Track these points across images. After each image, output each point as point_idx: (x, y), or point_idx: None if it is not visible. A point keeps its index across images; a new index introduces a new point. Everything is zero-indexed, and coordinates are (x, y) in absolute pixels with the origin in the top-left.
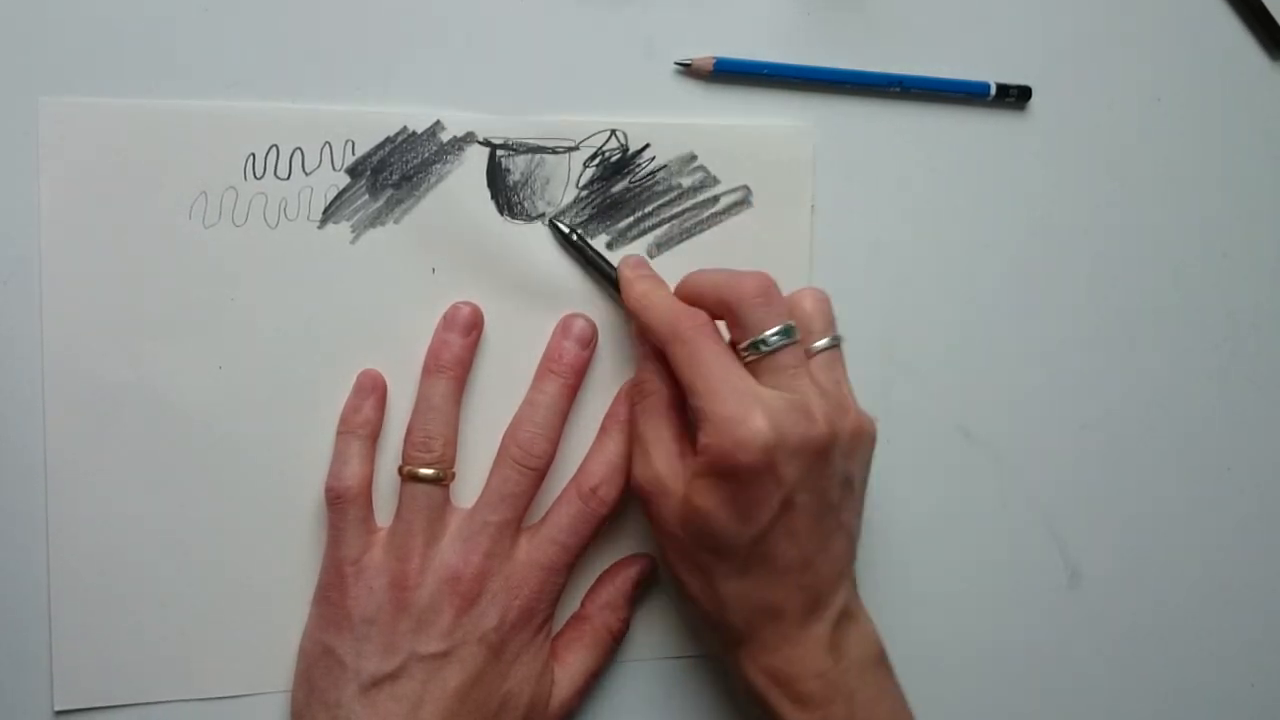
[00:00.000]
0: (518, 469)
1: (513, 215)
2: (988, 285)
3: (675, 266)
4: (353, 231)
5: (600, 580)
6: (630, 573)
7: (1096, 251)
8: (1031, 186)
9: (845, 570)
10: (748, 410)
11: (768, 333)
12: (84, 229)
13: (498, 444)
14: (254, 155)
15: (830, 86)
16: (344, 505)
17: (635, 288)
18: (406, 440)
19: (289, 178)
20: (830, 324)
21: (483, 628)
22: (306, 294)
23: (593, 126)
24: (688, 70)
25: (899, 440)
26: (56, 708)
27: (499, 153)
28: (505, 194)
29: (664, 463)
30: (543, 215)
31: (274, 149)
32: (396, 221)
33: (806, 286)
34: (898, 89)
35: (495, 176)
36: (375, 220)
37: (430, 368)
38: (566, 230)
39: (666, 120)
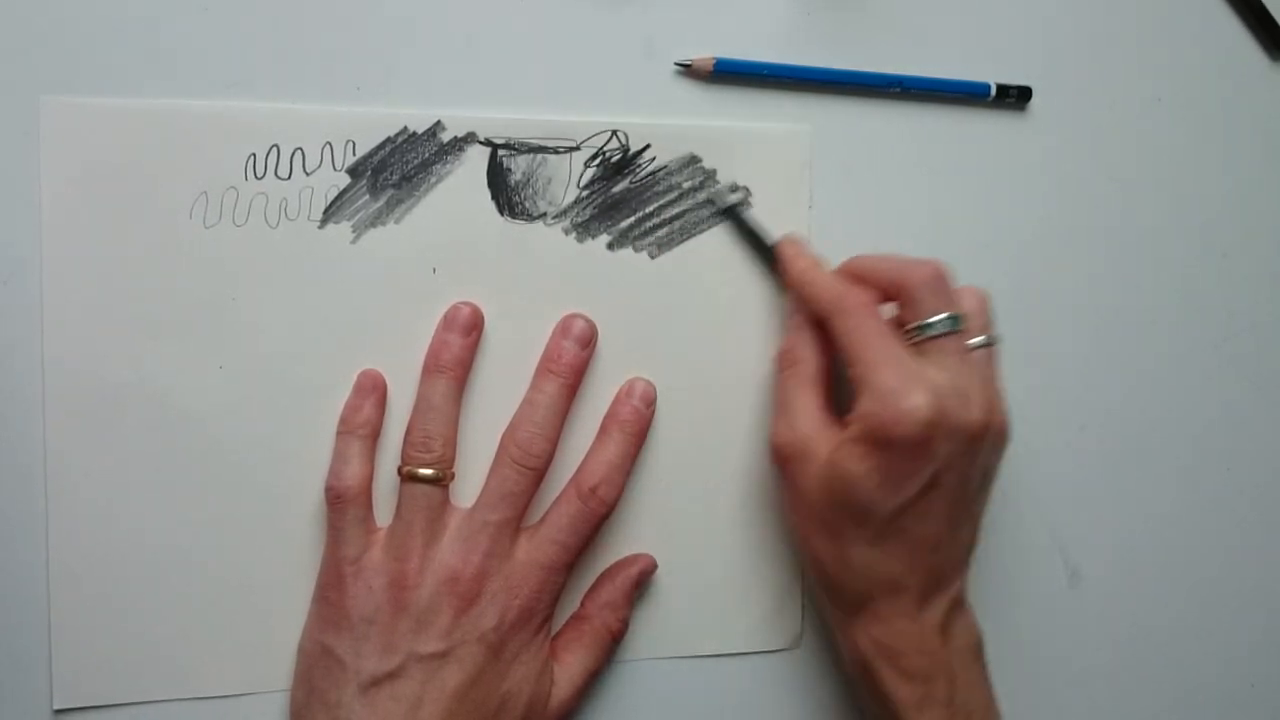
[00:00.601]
0: (516, 469)
1: (513, 215)
2: (987, 285)
3: (676, 267)
4: (353, 231)
5: (600, 580)
6: (630, 573)
7: (1096, 251)
8: (1031, 187)
9: (966, 559)
10: (912, 385)
11: (936, 317)
12: (85, 229)
13: (497, 444)
14: (255, 155)
15: (830, 87)
16: (344, 505)
17: (799, 262)
18: (406, 440)
19: (290, 178)
20: (989, 323)
21: (482, 627)
22: (307, 294)
23: (594, 127)
24: (688, 70)
25: None
26: (56, 706)
27: (500, 153)
28: (506, 194)
29: (810, 426)
30: (544, 215)
31: (275, 149)
32: (397, 222)
33: (969, 285)
34: (897, 89)
35: (496, 176)
36: (376, 220)
37: (430, 367)
38: (737, 201)
39: (666, 121)
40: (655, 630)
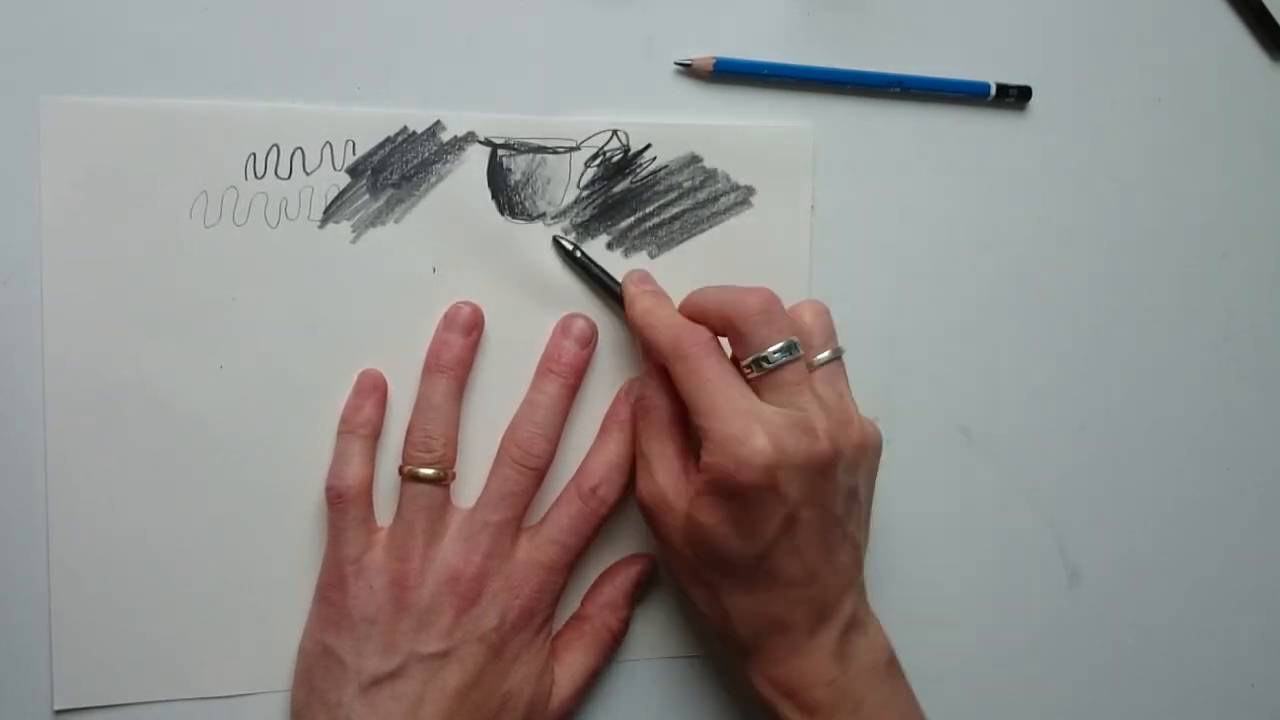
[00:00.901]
0: (517, 469)
1: (513, 215)
2: (988, 285)
3: (676, 267)
4: (353, 231)
5: (600, 580)
6: (630, 573)
7: (1096, 251)
8: (1031, 186)
9: (852, 581)
10: (749, 429)
11: (770, 349)
12: (85, 228)
13: (498, 444)
14: (255, 155)
15: (830, 86)
16: (344, 505)
17: (638, 304)
18: (407, 440)
19: (290, 177)
20: (831, 337)
21: (483, 628)
22: (307, 293)
23: (594, 126)
24: (688, 70)
25: (900, 440)
26: (56, 707)
27: (500, 152)
28: (506, 194)
29: (667, 479)
30: (543, 215)
31: (275, 149)
32: (397, 221)
33: (806, 300)
34: (898, 89)
35: (496, 176)
36: (376, 220)
37: (431, 367)
38: (570, 248)
39: (667, 120)
40: (655, 630)
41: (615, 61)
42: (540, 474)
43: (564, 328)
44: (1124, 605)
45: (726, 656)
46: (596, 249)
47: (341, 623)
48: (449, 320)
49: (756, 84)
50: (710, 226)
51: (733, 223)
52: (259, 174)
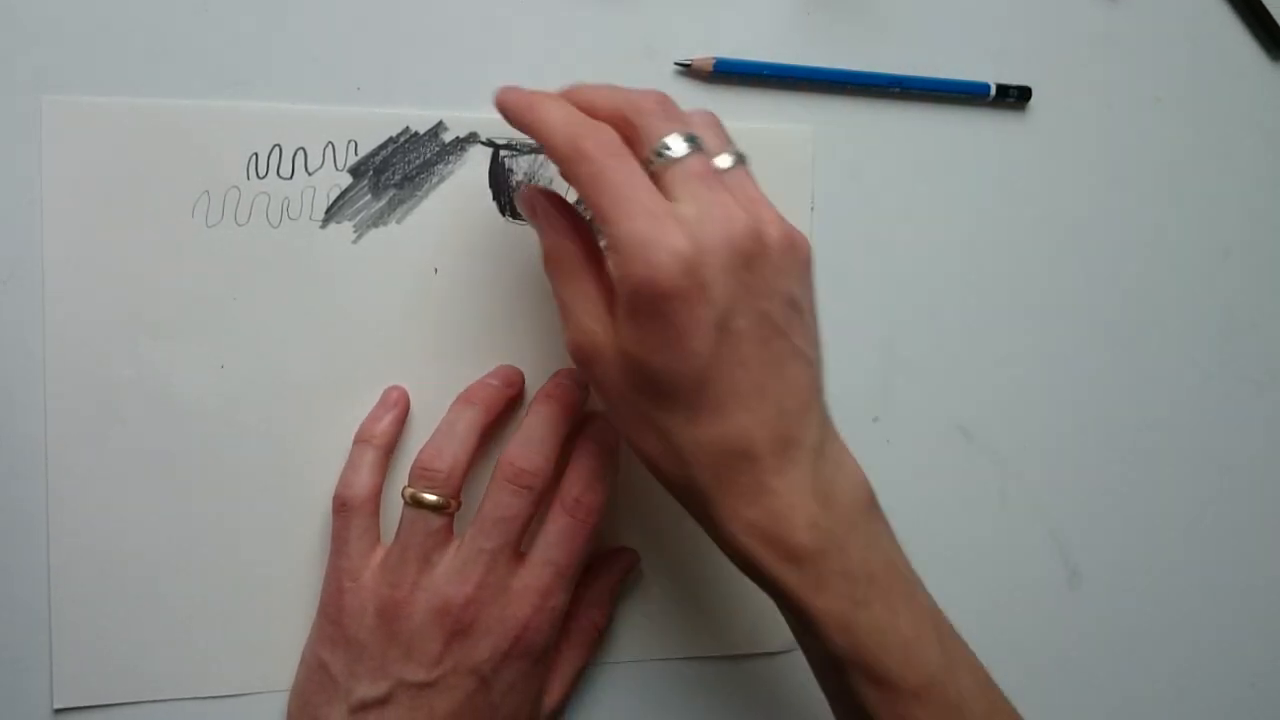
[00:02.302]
0: (510, 489)
1: (515, 216)
2: (988, 285)
3: None
4: (355, 231)
5: (584, 577)
6: (615, 568)
7: (1096, 251)
8: (1031, 186)
9: (811, 402)
10: (662, 226)
11: (671, 138)
12: (86, 228)
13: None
14: (257, 155)
15: (830, 87)
16: (349, 514)
17: (534, 109)
18: (416, 461)
19: (292, 177)
20: (729, 141)
21: (474, 659)
22: (309, 293)
23: None
24: (688, 70)
25: (899, 440)
26: (56, 705)
27: (502, 153)
28: (508, 194)
29: (592, 319)
30: None
31: (277, 148)
32: (399, 221)
33: (693, 109)
34: (898, 89)
35: (498, 177)
36: (378, 220)
37: (461, 398)
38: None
39: None
40: (652, 631)
41: (616, 62)
42: (536, 496)
43: (565, 370)
44: (1124, 605)
45: (697, 517)
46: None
47: (337, 640)
48: (495, 371)
49: (756, 84)
50: None
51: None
52: (261, 174)
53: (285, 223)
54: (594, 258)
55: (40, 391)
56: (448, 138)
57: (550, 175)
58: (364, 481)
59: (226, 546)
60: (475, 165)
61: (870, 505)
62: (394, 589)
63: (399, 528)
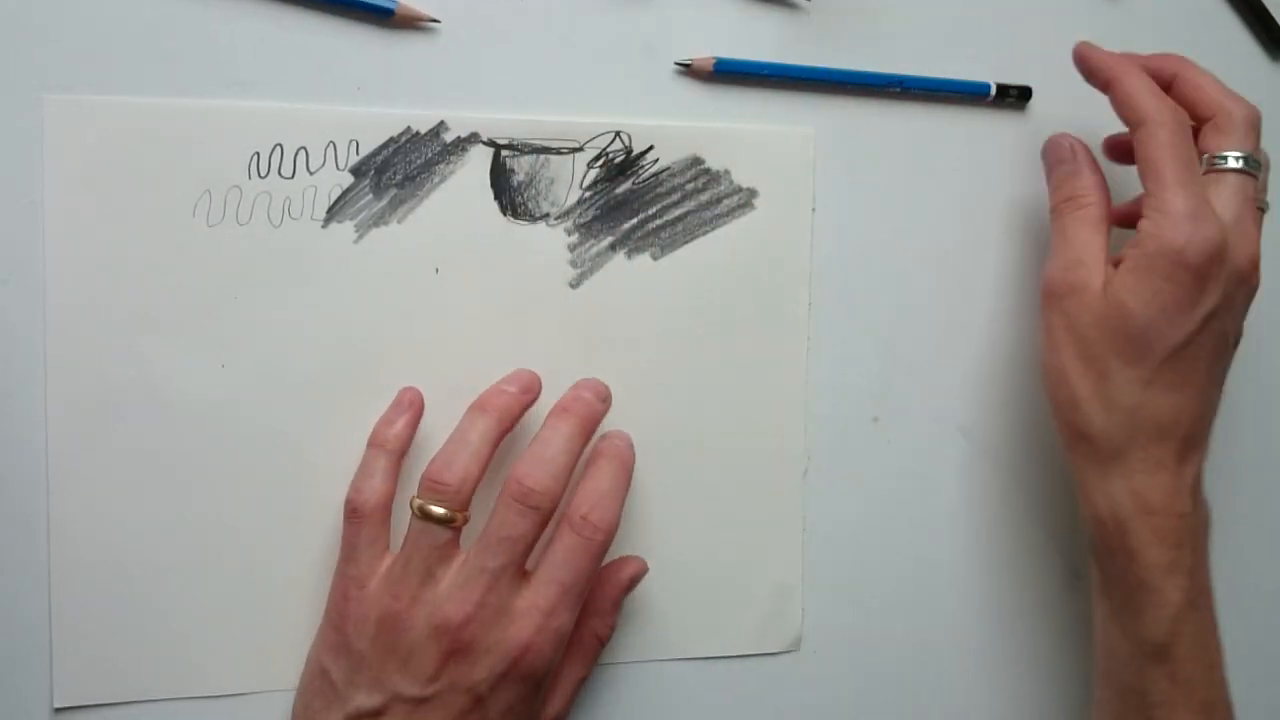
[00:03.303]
0: (517, 509)
1: (516, 216)
2: (988, 285)
3: (679, 269)
4: (356, 231)
5: (591, 587)
6: (620, 579)
7: None
8: (1032, 187)
9: (1213, 422)
10: (1206, 212)
11: (1239, 153)
12: (88, 227)
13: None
14: (258, 154)
15: (830, 87)
16: (359, 520)
17: (1125, 79)
18: (426, 471)
19: (293, 177)
20: (1266, 187)
21: (471, 679)
22: (310, 293)
23: (597, 128)
24: (688, 70)
25: (899, 440)
26: (56, 705)
27: (503, 153)
28: (509, 194)
29: (1091, 259)
30: (546, 216)
31: (278, 148)
32: (400, 221)
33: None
34: (898, 89)
35: (499, 177)
36: (379, 220)
37: (475, 406)
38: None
39: (669, 121)
40: (654, 632)
41: (615, 61)
42: (544, 517)
43: (584, 383)
44: None
45: (1080, 466)
46: (600, 250)
47: (339, 647)
48: (510, 376)
49: (756, 84)
50: (713, 229)
51: (735, 225)
52: (262, 173)
53: (286, 222)
54: (1108, 219)
55: (40, 391)
56: (449, 137)
57: (551, 176)
58: (375, 488)
59: (226, 546)
60: (476, 165)
61: (1208, 530)
62: (395, 600)
63: (406, 539)
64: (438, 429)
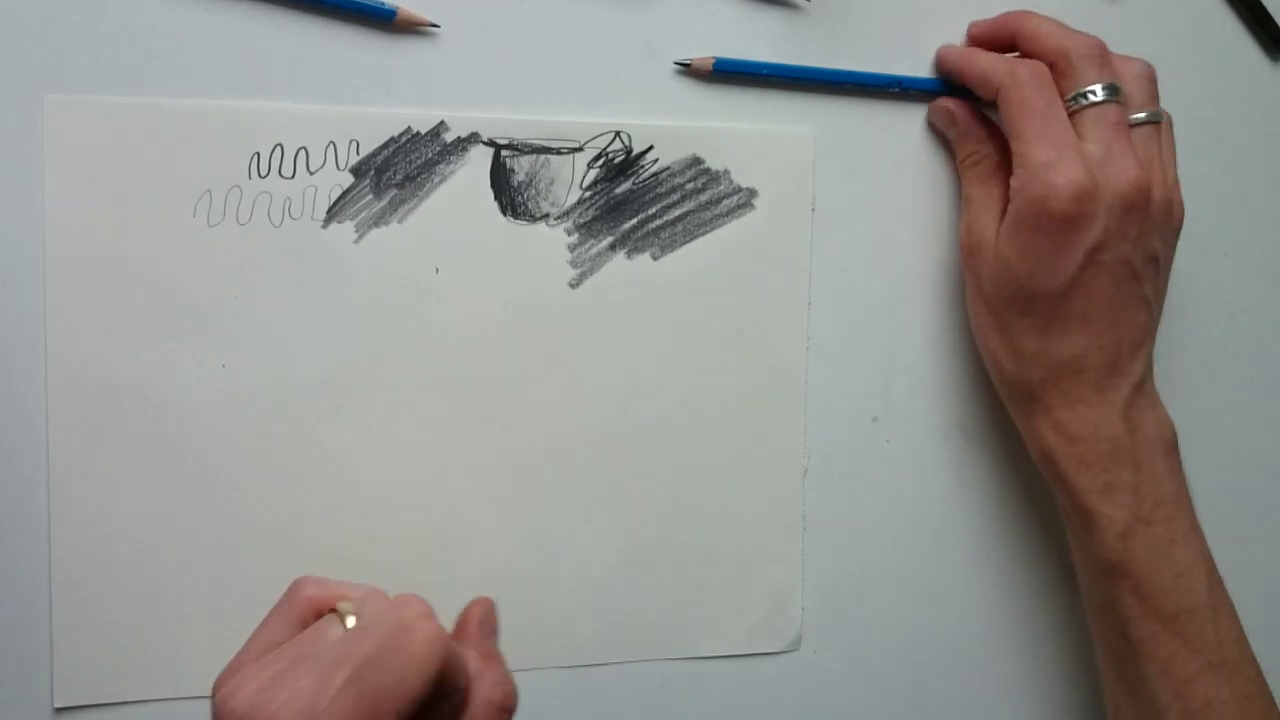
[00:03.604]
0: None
1: (516, 216)
2: None
3: (679, 269)
4: (356, 231)
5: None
6: (483, 632)
7: None
8: None
9: (1144, 343)
10: (1065, 156)
11: (1092, 86)
12: (88, 227)
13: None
14: (258, 154)
15: (830, 87)
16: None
17: (973, 58)
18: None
19: (293, 177)
20: (1153, 98)
21: None
22: (310, 293)
23: (597, 128)
24: (688, 70)
25: (899, 440)
26: (56, 704)
27: (503, 153)
28: (509, 194)
29: (988, 218)
30: (546, 216)
31: (278, 148)
32: (400, 221)
33: (1132, 56)
34: (897, 90)
35: (499, 177)
36: (379, 220)
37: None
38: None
39: (669, 121)
40: (654, 632)
41: (614, 61)
42: None
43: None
44: None
45: (1013, 410)
46: (600, 250)
47: None
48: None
49: (756, 84)
50: (713, 229)
51: (735, 225)
52: (263, 173)
53: (287, 222)
54: (1004, 168)
55: (40, 391)
56: (449, 138)
57: (551, 176)
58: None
59: (226, 546)
60: (477, 165)
61: (1171, 446)
62: None
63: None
64: (437, 431)
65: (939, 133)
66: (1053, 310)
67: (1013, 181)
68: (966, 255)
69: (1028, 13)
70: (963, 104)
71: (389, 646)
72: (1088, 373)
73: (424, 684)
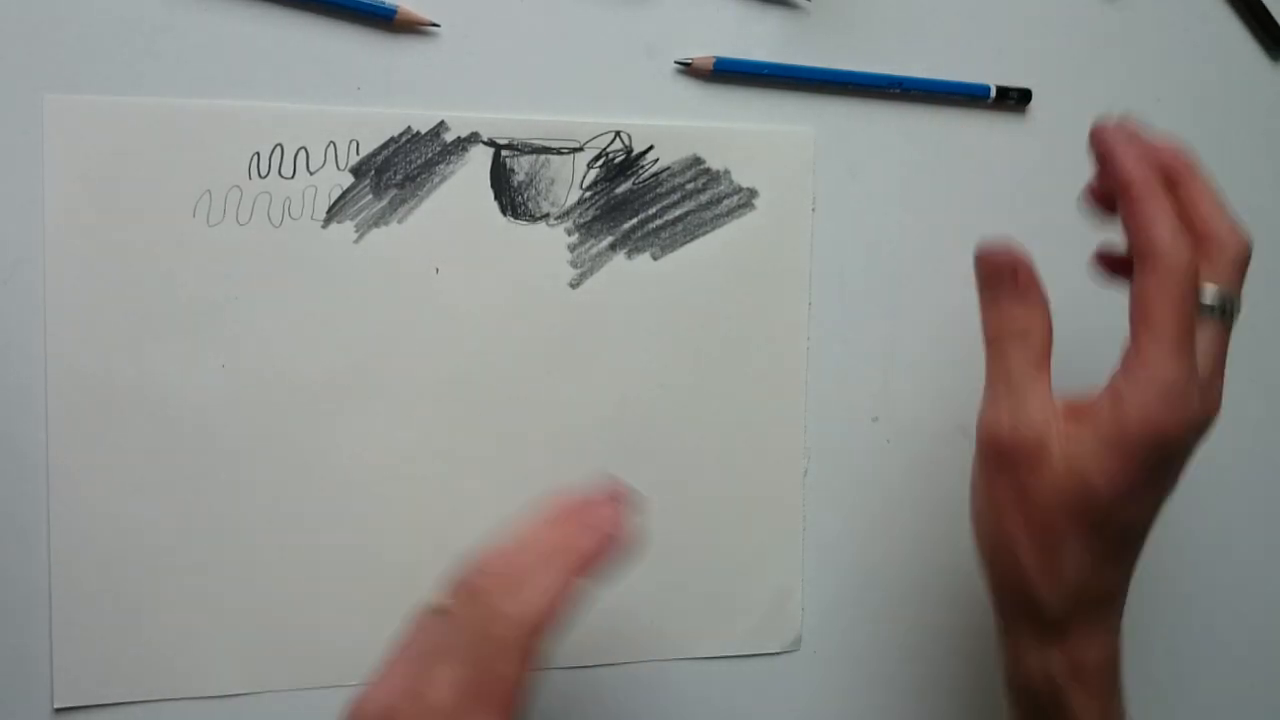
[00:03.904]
0: None
1: (516, 216)
2: None
3: (680, 269)
4: (356, 231)
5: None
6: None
7: None
8: (1031, 189)
9: None
10: (1188, 381)
11: (1221, 298)
12: (88, 227)
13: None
14: (258, 154)
15: (830, 87)
16: None
17: (1147, 201)
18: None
19: (293, 177)
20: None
21: None
22: (310, 293)
23: (597, 128)
24: (688, 70)
25: (899, 440)
26: (56, 705)
27: (503, 153)
28: (509, 194)
29: (1042, 416)
30: (546, 216)
31: (278, 148)
32: (400, 221)
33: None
34: (897, 90)
35: (499, 177)
36: (379, 220)
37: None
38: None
39: (669, 121)
40: (654, 632)
41: (615, 61)
42: None
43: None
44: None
45: (1011, 634)
46: (600, 250)
47: None
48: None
49: (756, 84)
50: (713, 229)
51: (735, 225)
52: (262, 173)
53: (287, 222)
54: (1049, 350)
55: (41, 390)
56: (449, 138)
57: (551, 176)
58: None
59: (226, 547)
60: (477, 165)
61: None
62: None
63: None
64: (438, 431)
65: (939, 133)
66: (1126, 538)
67: (1124, 386)
68: (1011, 460)
69: (1194, 167)
70: (1028, 263)
71: (480, 636)
72: (1117, 602)
73: (524, 666)
